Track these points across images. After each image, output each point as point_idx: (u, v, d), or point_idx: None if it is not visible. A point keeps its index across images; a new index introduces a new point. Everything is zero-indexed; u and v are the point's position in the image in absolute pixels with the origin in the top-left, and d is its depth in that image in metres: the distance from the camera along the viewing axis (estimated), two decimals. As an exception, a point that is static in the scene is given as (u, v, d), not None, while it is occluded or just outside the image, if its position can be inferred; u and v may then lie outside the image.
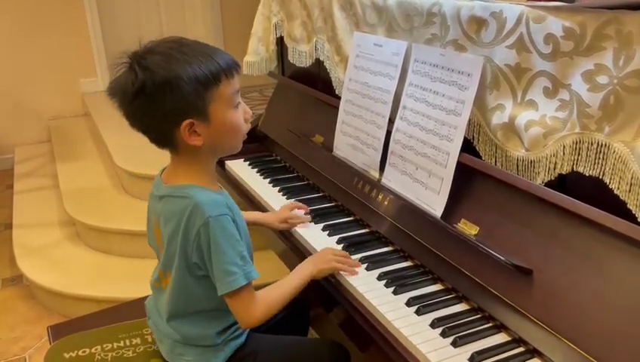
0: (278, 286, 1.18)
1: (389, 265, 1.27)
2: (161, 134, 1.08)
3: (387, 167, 1.41)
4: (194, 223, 1.06)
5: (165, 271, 1.17)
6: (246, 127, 1.14)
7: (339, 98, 1.64)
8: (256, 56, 2.06)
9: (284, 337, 1.34)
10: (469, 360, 0.97)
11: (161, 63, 1.02)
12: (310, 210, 1.52)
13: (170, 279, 1.16)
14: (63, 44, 4.09)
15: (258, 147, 2.02)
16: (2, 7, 3.89)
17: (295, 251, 1.42)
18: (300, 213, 1.50)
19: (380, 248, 1.34)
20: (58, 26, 4.05)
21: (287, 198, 1.62)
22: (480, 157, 1.21)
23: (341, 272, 1.24)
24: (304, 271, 1.22)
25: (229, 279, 1.07)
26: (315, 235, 1.41)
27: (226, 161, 1.93)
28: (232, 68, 1.08)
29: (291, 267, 1.35)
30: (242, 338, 1.23)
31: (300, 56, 1.88)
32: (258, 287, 1.16)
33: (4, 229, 3.15)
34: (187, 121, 1.04)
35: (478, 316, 1.09)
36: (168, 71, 1.01)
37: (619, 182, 0.94)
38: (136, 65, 1.02)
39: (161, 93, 1.02)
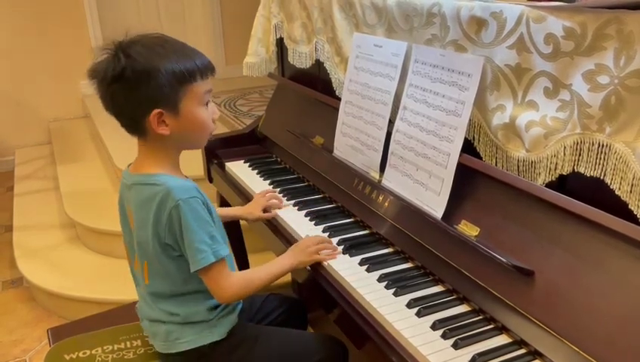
0: (257, 270, 1.25)
1: (390, 266, 1.26)
2: (132, 119, 1.14)
3: (387, 168, 1.41)
4: (165, 207, 1.12)
5: (142, 260, 1.20)
6: (213, 127, 1.20)
7: (339, 99, 1.63)
8: (256, 57, 2.06)
9: (283, 329, 1.38)
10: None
11: (144, 54, 1.09)
12: (310, 211, 1.52)
13: (148, 266, 1.19)
14: (63, 46, 4.09)
15: (258, 148, 2.02)
16: (3, 10, 3.90)
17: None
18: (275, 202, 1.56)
19: (381, 249, 1.34)
20: (58, 27, 4.05)
21: (288, 200, 1.61)
22: (480, 158, 1.21)
23: (335, 268, 1.26)
24: (284, 264, 1.28)
25: (199, 257, 1.12)
26: (315, 237, 1.41)
27: (226, 163, 1.93)
28: (207, 70, 1.16)
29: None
30: (235, 316, 1.26)
31: (300, 57, 1.87)
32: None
33: (5, 231, 3.15)
34: (157, 111, 1.11)
35: (480, 317, 1.08)
36: (149, 61, 1.09)
37: (620, 183, 0.93)
38: (120, 52, 1.09)
39: (138, 81, 1.08)
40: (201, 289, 1.19)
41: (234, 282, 1.18)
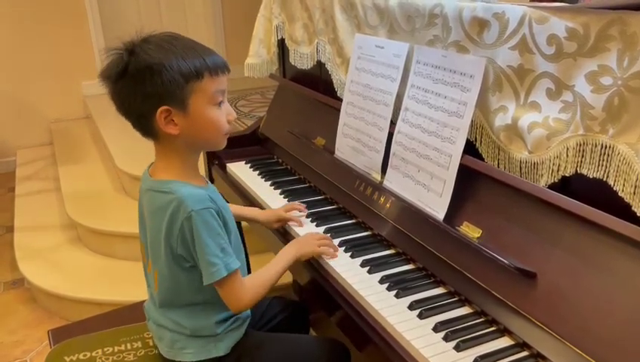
0: (263, 272, 1.23)
1: (391, 268, 1.26)
2: (141, 117, 1.12)
3: (389, 170, 1.40)
4: (177, 217, 1.10)
5: (154, 267, 1.20)
6: (227, 128, 1.17)
7: (340, 100, 1.63)
8: (258, 58, 2.05)
9: (285, 334, 1.36)
10: (472, 364, 0.96)
11: (149, 51, 1.08)
12: (311, 212, 1.52)
13: (158, 274, 1.18)
14: (65, 47, 4.09)
15: (259, 149, 2.02)
16: (3, 10, 3.90)
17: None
18: (297, 214, 1.51)
19: (382, 251, 1.33)
20: (59, 28, 4.05)
21: (289, 201, 1.61)
22: (482, 160, 1.21)
23: (336, 269, 1.25)
24: (287, 256, 1.28)
25: (212, 270, 1.11)
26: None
27: (227, 164, 1.93)
28: (218, 67, 1.13)
29: (292, 269, 1.35)
30: (242, 331, 1.25)
31: (302, 58, 1.87)
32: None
33: (6, 232, 3.15)
34: (163, 107, 1.08)
35: (482, 320, 1.08)
36: (152, 58, 1.07)
37: (623, 184, 0.93)
38: (125, 50, 1.09)
39: (142, 77, 1.07)
40: (211, 301, 1.18)
41: (248, 290, 1.17)
